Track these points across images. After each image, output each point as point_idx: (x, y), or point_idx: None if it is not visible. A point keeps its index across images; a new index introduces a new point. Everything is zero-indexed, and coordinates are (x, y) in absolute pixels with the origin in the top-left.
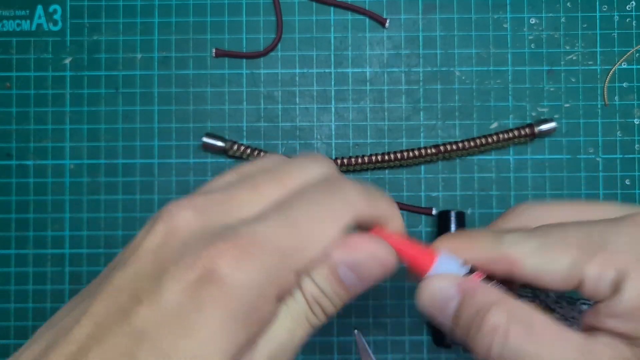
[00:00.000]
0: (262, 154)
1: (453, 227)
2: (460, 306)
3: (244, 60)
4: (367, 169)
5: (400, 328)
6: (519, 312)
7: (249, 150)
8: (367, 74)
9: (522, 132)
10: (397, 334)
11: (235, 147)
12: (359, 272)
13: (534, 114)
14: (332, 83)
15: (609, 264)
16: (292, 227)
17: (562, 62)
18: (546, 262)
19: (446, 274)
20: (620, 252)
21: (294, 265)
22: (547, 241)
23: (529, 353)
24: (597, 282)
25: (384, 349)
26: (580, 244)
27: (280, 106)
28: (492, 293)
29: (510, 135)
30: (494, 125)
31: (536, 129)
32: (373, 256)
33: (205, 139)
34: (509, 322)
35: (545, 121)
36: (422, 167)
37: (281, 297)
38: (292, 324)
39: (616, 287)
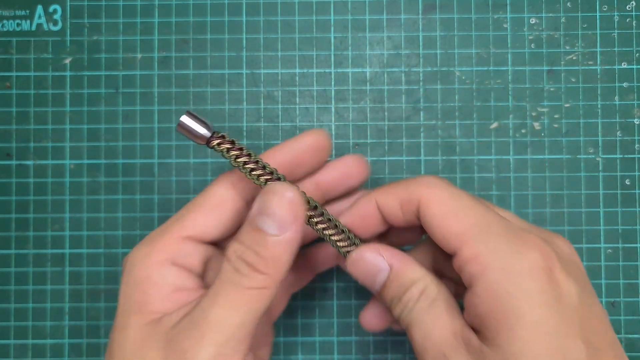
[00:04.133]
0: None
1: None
2: (387, 279)
3: (244, 60)
4: None
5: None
6: (430, 290)
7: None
8: (367, 74)
9: None
10: (397, 334)
11: (223, 145)
12: (272, 214)
13: (534, 114)
14: (332, 83)
15: (478, 256)
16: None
17: (562, 62)
18: (444, 217)
19: (371, 245)
20: (490, 252)
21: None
22: (456, 199)
23: (419, 319)
24: (463, 266)
25: (384, 349)
26: (472, 225)
27: (280, 106)
28: (416, 270)
29: None
30: (494, 125)
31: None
32: (280, 196)
33: (184, 119)
34: (421, 295)
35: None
36: (422, 166)
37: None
38: (218, 293)
39: (472, 281)
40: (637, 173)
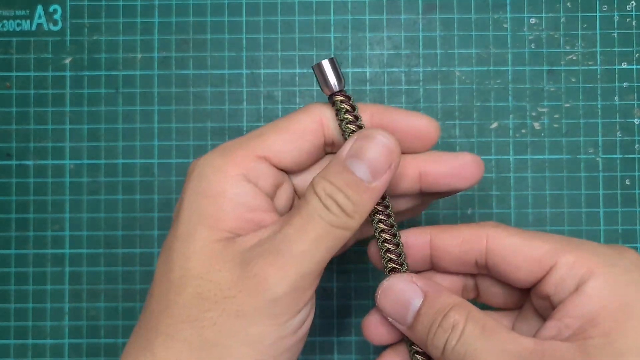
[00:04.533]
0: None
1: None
2: (422, 306)
3: (244, 60)
4: None
5: None
6: (475, 315)
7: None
8: (367, 74)
9: None
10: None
11: (343, 105)
12: (367, 159)
13: (534, 114)
14: None
15: (582, 260)
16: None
17: (562, 62)
18: (525, 244)
19: (404, 275)
20: (592, 255)
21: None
22: (526, 232)
23: (480, 347)
24: (567, 273)
25: (384, 349)
26: (558, 240)
27: (280, 106)
28: (453, 296)
29: None
30: (494, 125)
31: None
32: (377, 142)
33: (325, 63)
34: (467, 320)
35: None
36: None
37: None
38: (307, 225)
39: (580, 284)
40: (637, 173)
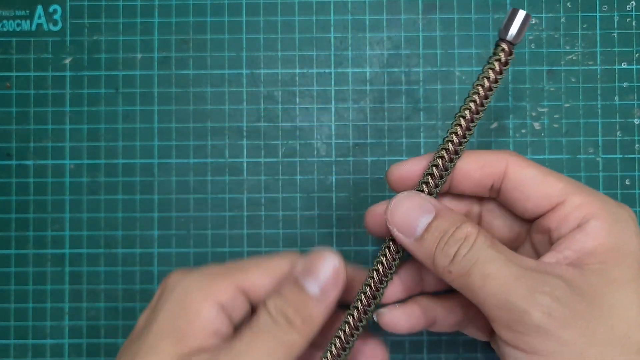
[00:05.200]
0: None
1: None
2: (434, 220)
3: (244, 60)
4: None
5: None
6: (485, 232)
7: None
8: (367, 74)
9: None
10: (397, 334)
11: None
12: (317, 277)
13: (534, 114)
14: (332, 83)
15: (588, 203)
16: None
17: (562, 62)
18: (540, 177)
19: (416, 193)
20: (597, 201)
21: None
22: (542, 167)
23: (490, 256)
24: (572, 211)
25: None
26: (570, 182)
27: (280, 106)
28: (463, 216)
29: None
30: (494, 125)
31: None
32: (328, 262)
33: (520, 14)
34: (479, 234)
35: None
36: None
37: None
38: (256, 342)
39: (582, 223)
40: (637, 173)
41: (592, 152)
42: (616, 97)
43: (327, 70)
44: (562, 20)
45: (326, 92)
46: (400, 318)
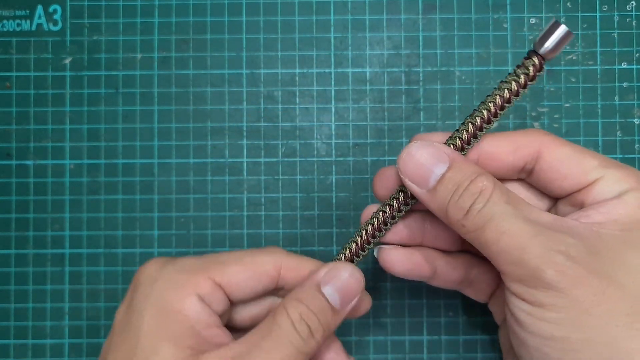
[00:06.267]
0: None
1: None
2: (448, 170)
3: (244, 60)
4: None
5: (400, 328)
6: (501, 185)
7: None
8: (367, 74)
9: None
10: (397, 334)
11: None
12: (339, 288)
13: (534, 114)
14: (332, 83)
15: (627, 177)
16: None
17: (562, 62)
18: (576, 155)
19: (431, 142)
20: (636, 176)
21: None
22: (575, 145)
23: (505, 212)
24: (612, 185)
25: (384, 349)
26: (605, 158)
27: (280, 106)
28: (478, 167)
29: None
30: (494, 125)
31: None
32: (349, 273)
33: (561, 29)
34: (495, 188)
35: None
36: None
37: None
38: (275, 350)
39: (621, 193)
40: None
41: None
42: (616, 97)
43: (327, 70)
44: (562, 20)
45: (326, 92)
46: (400, 257)
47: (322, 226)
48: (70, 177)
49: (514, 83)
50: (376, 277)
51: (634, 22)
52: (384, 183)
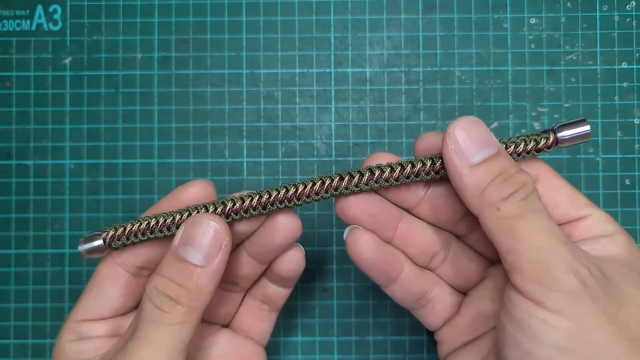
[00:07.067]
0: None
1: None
2: (497, 154)
3: (244, 60)
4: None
5: (400, 328)
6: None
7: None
8: (367, 74)
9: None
10: (397, 334)
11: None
12: (197, 244)
13: (534, 114)
14: (332, 83)
15: (610, 221)
16: None
17: (562, 62)
18: (570, 190)
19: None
20: (617, 224)
21: None
22: (568, 183)
23: (544, 213)
24: (600, 224)
25: (384, 349)
26: (588, 199)
27: (280, 106)
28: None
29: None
30: (494, 125)
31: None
32: (206, 226)
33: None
34: (534, 189)
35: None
36: None
37: None
38: (142, 334)
39: (612, 234)
40: (637, 173)
41: (592, 152)
42: (616, 97)
43: (327, 70)
44: (562, 20)
45: (326, 92)
46: (371, 244)
47: (322, 226)
48: (70, 177)
49: (523, 144)
50: None
51: (634, 22)
52: (427, 144)
